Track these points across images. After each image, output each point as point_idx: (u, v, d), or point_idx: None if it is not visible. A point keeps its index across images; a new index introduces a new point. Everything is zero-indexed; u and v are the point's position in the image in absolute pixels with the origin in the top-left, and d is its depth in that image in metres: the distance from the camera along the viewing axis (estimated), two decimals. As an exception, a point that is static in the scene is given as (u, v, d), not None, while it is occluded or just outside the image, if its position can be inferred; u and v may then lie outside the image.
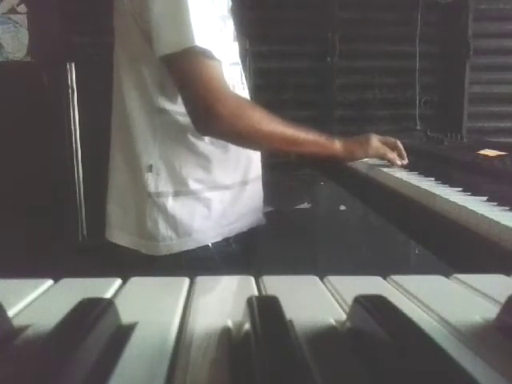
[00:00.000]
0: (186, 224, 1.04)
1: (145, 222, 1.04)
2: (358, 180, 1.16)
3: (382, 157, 1.14)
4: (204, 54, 0.94)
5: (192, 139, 1.03)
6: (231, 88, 1.06)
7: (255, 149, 1.12)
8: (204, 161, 1.05)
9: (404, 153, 1.15)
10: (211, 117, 0.95)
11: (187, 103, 0.99)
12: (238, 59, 1.13)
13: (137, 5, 0.97)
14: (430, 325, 0.32)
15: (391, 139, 1.17)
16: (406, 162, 1.14)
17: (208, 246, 1.06)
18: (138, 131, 1.03)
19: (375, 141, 1.13)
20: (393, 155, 1.13)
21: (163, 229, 1.03)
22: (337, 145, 1.10)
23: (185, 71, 0.96)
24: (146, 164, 1.03)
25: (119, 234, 1.09)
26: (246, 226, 1.14)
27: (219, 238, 1.07)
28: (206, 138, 1.05)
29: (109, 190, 1.12)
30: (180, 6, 0.91)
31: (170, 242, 1.04)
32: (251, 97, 1.27)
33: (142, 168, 1.03)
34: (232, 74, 1.09)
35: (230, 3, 1.10)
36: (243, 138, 1.02)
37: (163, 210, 1.03)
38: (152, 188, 1.03)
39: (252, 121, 0.99)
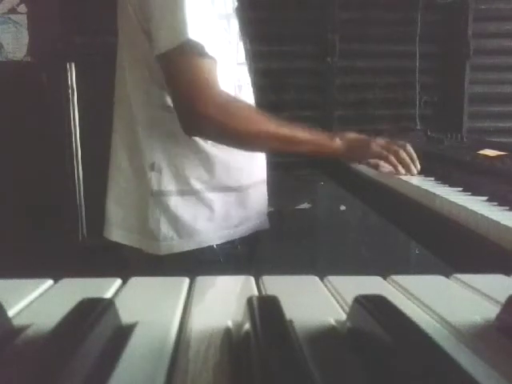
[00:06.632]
0: (188, 224, 1.03)
1: (146, 220, 1.03)
2: (358, 180, 1.16)
3: (384, 159, 1.05)
4: (195, 51, 0.91)
5: (195, 138, 1.02)
6: (238, 89, 1.05)
7: (248, 150, 1.07)
8: (207, 161, 1.03)
9: (414, 157, 1.05)
10: (195, 116, 0.93)
11: (173, 102, 0.97)
12: (244, 59, 1.11)
13: (137, 5, 0.96)
14: (429, 325, 0.32)
15: (400, 142, 1.07)
16: (414, 170, 1.03)
17: (213, 247, 1.04)
18: (141, 129, 1.02)
19: (379, 141, 1.07)
20: (395, 161, 1.03)
21: (165, 228, 1.02)
22: (337, 143, 1.05)
23: (172, 68, 0.94)
24: (149, 162, 1.02)
25: (118, 232, 1.08)
26: (249, 230, 1.11)
27: (222, 241, 1.05)
28: None
29: (109, 188, 1.11)
30: (177, 4, 0.90)
31: (171, 242, 1.02)
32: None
33: (144, 166, 1.03)
34: (239, 75, 1.07)
35: (236, 3, 1.08)
36: (231, 138, 0.98)
37: (166, 209, 1.02)
38: (155, 186, 1.02)
39: (240, 120, 0.96)
